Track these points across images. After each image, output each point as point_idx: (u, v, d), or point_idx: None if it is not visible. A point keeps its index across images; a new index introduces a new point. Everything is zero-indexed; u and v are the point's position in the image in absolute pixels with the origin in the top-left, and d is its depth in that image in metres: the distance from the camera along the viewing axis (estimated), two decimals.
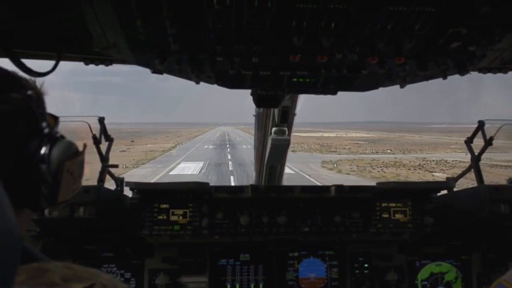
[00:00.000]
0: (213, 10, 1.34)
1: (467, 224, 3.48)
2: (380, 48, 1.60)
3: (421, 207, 3.53)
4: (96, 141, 3.31)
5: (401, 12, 1.37)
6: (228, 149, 61.56)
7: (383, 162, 49.06)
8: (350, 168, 43.45)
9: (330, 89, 2.11)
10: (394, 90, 2.29)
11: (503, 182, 3.63)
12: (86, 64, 2.23)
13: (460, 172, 3.88)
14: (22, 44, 1.92)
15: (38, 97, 1.13)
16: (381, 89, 2.20)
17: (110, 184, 3.43)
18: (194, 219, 3.36)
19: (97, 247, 3.45)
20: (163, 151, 61.01)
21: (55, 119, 1.22)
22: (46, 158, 1.09)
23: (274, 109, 3.54)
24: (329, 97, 2.26)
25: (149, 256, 3.52)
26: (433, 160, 50.03)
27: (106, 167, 3.39)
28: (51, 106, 1.20)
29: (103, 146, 3.41)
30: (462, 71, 1.81)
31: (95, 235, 3.36)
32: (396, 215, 3.51)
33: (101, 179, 3.35)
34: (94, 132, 3.31)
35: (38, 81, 1.17)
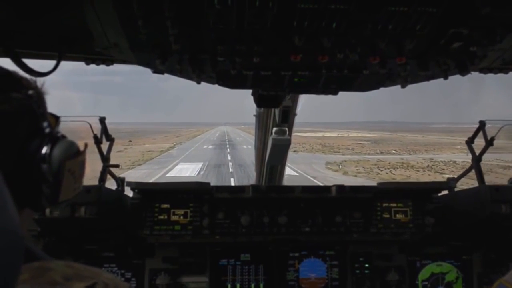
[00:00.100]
0: (214, 10, 1.34)
1: (468, 224, 3.48)
2: (381, 48, 1.60)
3: (422, 207, 3.53)
4: (97, 141, 3.31)
5: (402, 12, 1.37)
6: (228, 149, 60.70)
7: (389, 163, 48.16)
8: (357, 169, 42.31)
9: (331, 89, 2.11)
10: (394, 90, 2.29)
11: None
12: (87, 64, 2.23)
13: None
14: (23, 44, 1.92)
15: (39, 97, 1.13)
16: (380, 89, 2.20)
17: (110, 184, 3.44)
18: (195, 219, 3.37)
19: (97, 247, 3.45)
20: (161, 152, 60.10)
21: (56, 119, 1.22)
22: (47, 157, 1.09)
23: (275, 109, 3.54)
24: (329, 97, 2.26)
25: (150, 256, 3.52)
26: (441, 161, 49.05)
27: (107, 167, 3.39)
28: (52, 106, 1.21)
29: (104, 146, 3.41)
30: (463, 71, 1.81)
31: (96, 235, 3.36)
32: (397, 215, 3.51)
33: (102, 179, 3.35)
34: (95, 132, 3.31)
35: (39, 81, 1.17)
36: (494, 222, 3.34)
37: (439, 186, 3.71)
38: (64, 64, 1.93)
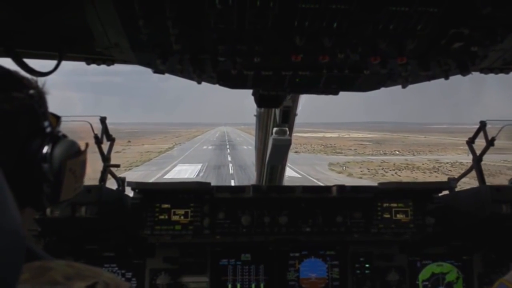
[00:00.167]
0: (216, 10, 1.34)
1: (468, 224, 3.48)
2: (382, 48, 1.60)
3: (422, 207, 3.53)
4: (98, 141, 3.31)
5: (403, 12, 1.37)
6: (228, 150, 59.96)
7: (394, 164, 46.99)
8: (361, 171, 41.13)
9: (332, 89, 2.11)
10: (394, 90, 2.29)
11: None
12: (88, 64, 2.23)
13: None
14: (24, 43, 1.93)
15: (40, 96, 1.13)
16: (381, 89, 2.20)
17: (111, 184, 3.43)
18: (195, 219, 3.37)
19: (98, 246, 3.45)
20: (160, 152, 59.24)
21: (57, 118, 1.22)
22: (48, 157, 1.09)
23: (275, 109, 3.54)
24: (329, 97, 2.26)
25: (150, 256, 3.52)
26: (447, 162, 47.58)
27: (107, 167, 3.39)
28: (52, 106, 1.21)
29: (104, 146, 3.41)
30: (464, 71, 1.81)
31: (96, 234, 3.36)
32: (398, 215, 3.51)
33: (102, 179, 3.35)
34: (95, 132, 3.31)
35: (40, 80, 1.17)
36: (495, 222, 3.34)
37: (439, 186, 3.71)
38: (64, 64, 1.93)
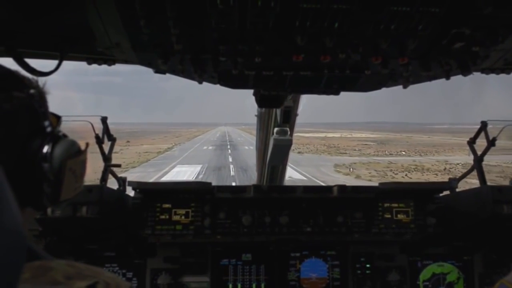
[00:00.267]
0: (217, 10, 1.34)
1: (469, 224, 3.48)
2: (383, 48, 1.59)
3: (423, 207, 3.52)
4: (99, 141, 3.32)
5: (404, 12, 1.37)
6: (229, 150, 58.99)
7: (402, 165, 45.67)
8: (369, 173, 39.65)
9: (333, 89, 2.11)
10: (394, 90, 2.28)
11: None
12: (89, 63, 2.23)
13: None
14: (26, 43, 1.93)
15: (40, 96, 1.13)
16: (381, 89, 2.19)
17: (111, 183, 3.44)
18: (196, 219, 3.37)
19: (99, 246, 3.45)
20: (159, 153, 58.16)
21: (58, 118, 1.22)
22: (48, 156, 1.09)
23: (276, 109, 3.54)
24: (329, 97, 2.25)
25: (151, 256, 3.52)
26: (457, 163, 45.46)
27: (108, 167, 3.40)
28: (53, 106, 1.21)
29: (105, 146, 3.41)
30: (465, 71, 1.81)
31: (97, 234, 3.36)
32: (399, 215, 3.51)
33: (103, 179, 3.35)
34: (96, 132, 3.31)
35: (41, 80, 1.17)
36: (496, 223, 3.34)
37: (440, 186, 3.70)
38: (65, 64, 1.93)
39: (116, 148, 3.45)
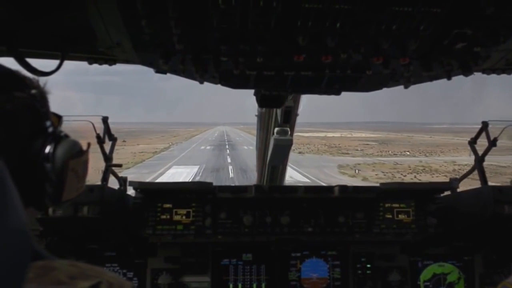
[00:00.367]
0: (219, 10, 1.34)
1: (470, 225, 3.47)
2: (385, 48, 1.59)
3: (424, 207, 3.52)
4: (100, 141, 3.31)
5: (406, 12, 1.37)
6: (228, 151, 57.57)
7: (409, 166, 44.42)
8: (376, 174, 38.00)
9: (334, 89, 2.11)
10: (393, 90, 2.28)
11: None
12: (90, 63, 2.23)
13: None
14: (27, 43, 1.93)
15: (42, 96, 1.13)
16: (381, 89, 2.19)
17: (111, 183, 3.43)
18: (197, 219, 3.36)
19: (99, 246, 3.45)
20: (154, 153, 56.65)
21: (59, 118, 1.22)
22: (50, 157, 1.09)
23: (277, 109, 3.54)
24: (328, 97, 2.25)
25: (152, 256, 3.52)
26: (465, 164, 42.13)
27: (109, 166, 3.39)
28: (53, 106, 1.21)
29: (106, 146, 3.41)
30: (467, 71, 1.81)
31: (98, 234, 3.36)
32: (400, 215, 3.51)
33: (104, 179, 3.35)
34: (97, 132, 3.31)
35: (42, 80, 1.17)
36: (497, 223, 3.33)
37: (441, 186, 3.70)
38: (65, 63, 1.93)
39: (106, 149, 3.43)
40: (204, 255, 3.54)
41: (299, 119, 3.82)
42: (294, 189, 3.53)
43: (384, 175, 37.65)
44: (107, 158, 3.39)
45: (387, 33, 1.51)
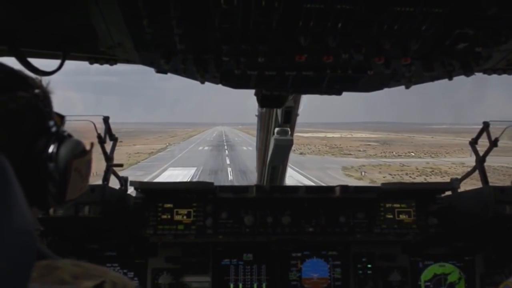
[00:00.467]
0: (220, 10, 1.34)
1: (471, 225, 3.47)
2: (386, 49, 1.59)
3: (425, 208, 3.52)
4: (101, 140, 3.31)
5: (408, 12, 1.37)
6: (226, 151, 56.73)
7: (416, 168, 43.30)
8: (383, 177, 36.59)
9: (335, 89, 2.11)
10: (392, 90, 2.28)
11: None
12: (91, 63, 2.23)
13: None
14: (28, 43, 1.93)
15: (45, 96, 1.13)
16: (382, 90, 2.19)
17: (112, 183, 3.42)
18: (198, 219, 3.37)
19: (100, 246, 3.46)
20: (151, 153, 55.34)
21: (61, 118, 1.22)
22: (54, 156, 1.09)
23: (277, 109, 3.54)
24: (327, 97, 2.25)
25: (153, 256, 3.52)
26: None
27: (110, 166, 3.39)
28: (53, 105, 1.21)
29: (107, 145, 3.41)
30: (468, 72, 1.81)
31: (99, 234, 3.36)
32: (401, 215, 3.51)
33: (105, 178, 3.35)
34: (98, 132, 3.31)
35: (44, 80, 1.17)
36: (498, 223, 3.33)
37: (442, 186, 3.70)
38: (65, 64, 1.93)
39: (107, 148, 3.42)
40: (205, 255, 3.54)
41: (299, 119, 3.83)
42: (295, 189, 3.53)
43: (392, 177, 36.91)
44: (108, 158, 3.40)
45: (388, 33, 1.51)
